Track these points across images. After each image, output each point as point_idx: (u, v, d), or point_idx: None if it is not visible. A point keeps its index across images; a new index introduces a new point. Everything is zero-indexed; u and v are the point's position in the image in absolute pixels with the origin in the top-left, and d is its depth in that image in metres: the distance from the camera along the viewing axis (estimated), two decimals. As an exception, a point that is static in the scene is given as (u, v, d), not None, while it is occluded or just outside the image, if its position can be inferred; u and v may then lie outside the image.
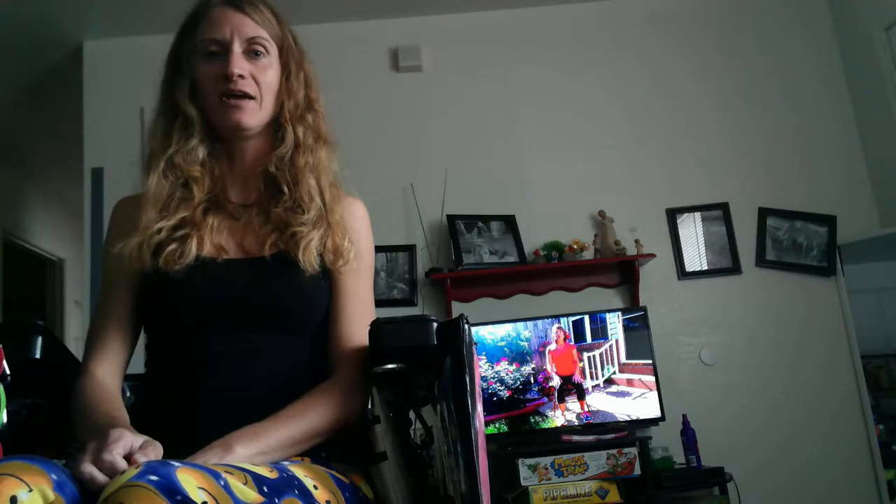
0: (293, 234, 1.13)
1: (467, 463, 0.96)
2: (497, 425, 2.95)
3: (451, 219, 3.32)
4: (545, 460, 2.69)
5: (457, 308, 3.25)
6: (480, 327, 3.01)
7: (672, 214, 3.43)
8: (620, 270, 3.34)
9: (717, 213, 3.43)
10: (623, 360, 3.00)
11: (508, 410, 2.96)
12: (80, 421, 1.04)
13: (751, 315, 3.33)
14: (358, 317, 1.17)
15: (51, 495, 0.75)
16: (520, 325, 3.04)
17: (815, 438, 3.17)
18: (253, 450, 0.95)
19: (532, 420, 2.95)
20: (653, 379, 2.96)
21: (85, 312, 3.50)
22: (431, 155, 3.44)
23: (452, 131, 3.50)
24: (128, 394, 1.28)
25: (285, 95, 1.19)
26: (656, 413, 2.94)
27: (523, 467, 2.68)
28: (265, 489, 0.82)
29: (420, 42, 3.58)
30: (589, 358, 3.01)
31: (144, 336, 1.19)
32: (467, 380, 0.99)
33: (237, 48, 1.13)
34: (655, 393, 2.95)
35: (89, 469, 0.80)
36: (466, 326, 1.03)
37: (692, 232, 3.42)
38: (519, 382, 2.99)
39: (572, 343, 3.02)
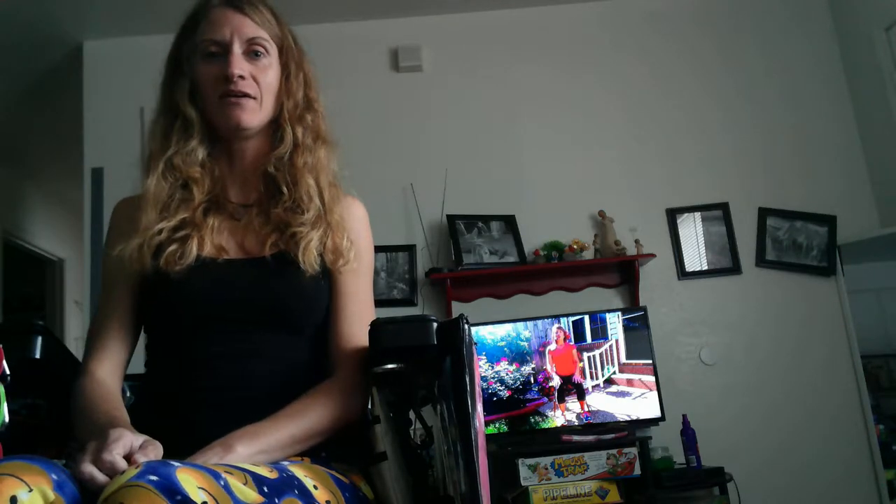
0: (293, 234, 1.13)
1: (467, 463, 0.96)
2: (497, 425, 2.95)
3: (451, 219, 3.32)
4: (545, 460, 2.69)
5: (457, 308, 3.25)
6: (480, 327, 3.01)
7: (672, 214, 3.43)
8: (620, 270, 3.34)
9: (717, 213, 3.43)
10: (623, 360, 3.00)
11: (508, 410, 2.96)
12: (80, 421, 1.04)
13: (751, 315, 3.33)
14: (358, 317, 1.17)
15: (51, 495, 0.75)
16: (520, 325, 3.04)
17: (815, 438, 3.17)
18: (253, 449, 0.95)
19: (532, 420, 2.95)
20: (653, 379, 2.96)
21: (85, 312, 3.50)
22: (431, 155, 3.44)
23: (452, 131, 3.50)
24: (128, 394, 1.28)
25: (285, 96, 1.19)
26: (656, 413, 2.94)
27: (523, 467, 2.68)
28: (265, 489, 0.82)
29: (420, 42, 3.58)
30: (589, 358, 3.01)
31: (144, 336, 1.19)
32: (467, 380, 0.99)
33: (237, 49, 1.13)
34: (655, 393, 2.95)
35: (89, 469, 0.80)
36: (466, 326, 1.03)
37: (692, 232, 3.42)
38: (519, 382, 2.99)
39: (572, 343, 3.02)
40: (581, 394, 2.97)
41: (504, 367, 2.99)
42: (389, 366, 1.03)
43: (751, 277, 3.38)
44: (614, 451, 2.70)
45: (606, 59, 3.61)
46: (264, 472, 0.86)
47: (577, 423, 2.93)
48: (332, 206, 1.18)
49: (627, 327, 3.02)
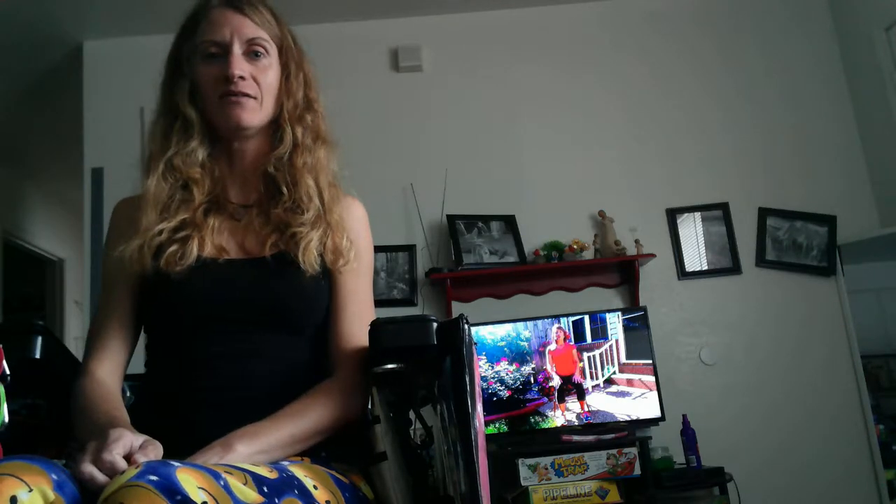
0: (293, 234, 1.13)
1: (467, 463, 0.96)
2: (497, 425, 2.95)
3: (451, 219, 3.32)
4: (545, 460, 2.69)
5: (457, 308, 3.25)
6: (480, 327, 3.01)
7: (672, 214, 3.43)
8: (620, 270, 3.34)
9: (717, 213, 3.43)
10: (623, 360, 3.00)
11: (508, 410, 2.96)
12: (80, 421, 1.04)
13: (751, 315, 3.33)
14: (358, 316, 1.17)
15: (51, 495, 0.75)
16: (520, 325, 3.04)
17: (815, 438, 3.17)
18: (253, 448, 0.95)
19: (532, 420, 2.95)
20: (653, 379, 2.96)
21: (85, 312, 3.50)
22: (431, 155, 3.44)
23: (452, 131, 3.50)
24: (128, 394, 1.28)
25: (285, 96, 1.19)
26: (656, 413, 2.94)
27: (523, 467, 2.68)
28: (265, 489, 0.82)
29: (420, 42, 3.58)
30: (589, 358, 3.01)
31: (145, 336, 1.19)
32: (467, 380, 0.99)
33: (237, 49, 1.13)
34: (655, 393, 2.95)
35: (89, 469, 0.80)
36: (466, 326, 1.03)
37: (692, 232, 3.42)
38: (519, 382, 2.99)
39: (572, 343, 3.02)
40: (581, 394, 2.97)
41: (504, 367, 2.99)
42: (389, 366, 1.03)
43: (751, 277, 3.38)
44: (614, 451, 2.70)
45: (606, 59, 3.61)
46: (264, 472, 0.86)
47: (577, 423, 2.93)
48: (331, 206, 1.18)
49: (627, 327, 3.02)
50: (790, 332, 3.29)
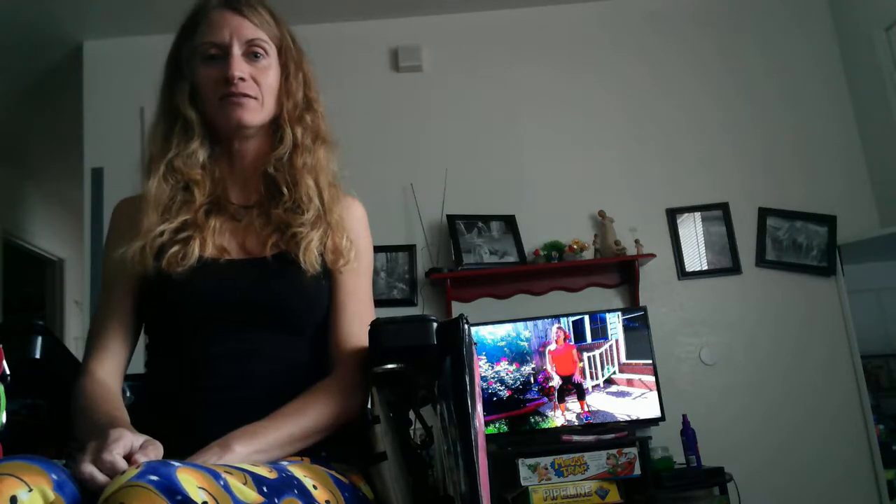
0: (293, 234, 1.13)
1: (467, 463, 0.96)
2: (497, 425, 2.95)
3: (451, 219, 3.32)
4: (545, 460, 2.69)
5: (457, 308, 3.25)
6: (480, 327, 3.01)
7: (672, 214, 3.43)
8: (620, 270, 3.34)
9: (717, 213, 3.43)
10: (623, 360, 3.00)
11: (508, 410, 2.96)
12: (80, 421, 1.04)
13: (751, 315, 3.33)
14: (358, 316, 1.17)
15: (51, 495, 0.75)
16: (520, 325, 3.04)
17: (815, 438, 3.17)
18: (252, 448, 0.95)
19: (532, 420, 2.95)
20: (653, 379, 2.97)
21: (85, 312, 3.50)
22: (431, 155, 3.44)
23: (452, 131, 3.50)
24: (128, 394, 1.28)
25: (284, 96, 1.19)
26: (656, 413, 2.94)
27: (523, 467, 2.68)
28: (265, 489, 0.82)
29: (420, 42, 3.58)
30: (589, 358, 3.01)
31: (145, 336, 1.19)
32: (467, 380, 0.99)
33: (236, 51, 1.13)
34: (655, 393, 2.95)
35: (89, 469, 0.80)
36: (466, 326, 1.03)
37: (692, 232, 3.42)
38: (519, 382, 2.99)
39: (572, 343, 3.02)
40: (581, 394, 2.97)
41: (504, 367, 2.99)
42: (389, 366, 1.03)
43: (751, 277, 3.38)
44: (614, 451, 2.70)
45: (606, 59, 3.61)
46: (264, 472, 0.86)
47: (577, 423, 2.93)
48: (331, 207, 1.18)
49: (627, 327, 3.02)
50: (790, 332, 3.29)
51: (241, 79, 1.13)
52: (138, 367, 1.21)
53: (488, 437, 2.75)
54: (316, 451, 1.06)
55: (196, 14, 1.18)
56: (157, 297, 1.12)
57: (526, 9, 3.64)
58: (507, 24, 3.64)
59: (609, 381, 2.98)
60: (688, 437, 2.91)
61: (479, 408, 1.03)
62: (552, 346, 3.02)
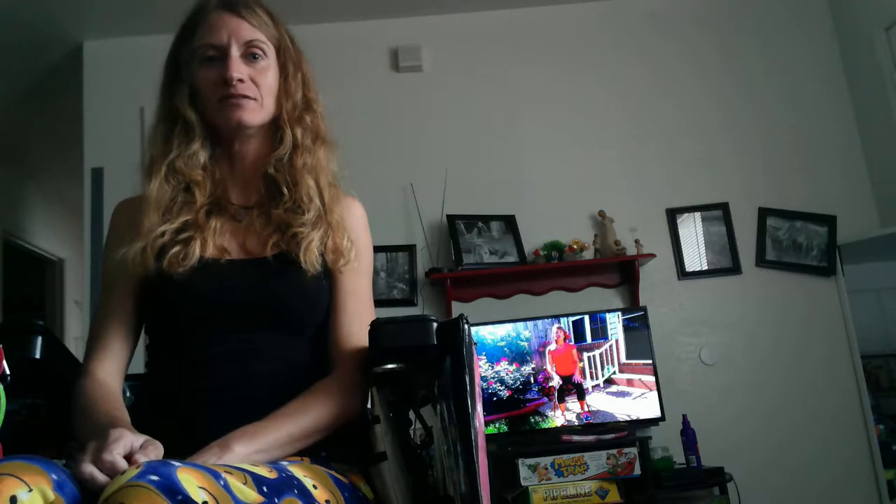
0: (294, 234, 1.13)
1: (467, 463, 0.96)
2: (497, 425, 2.95)
3: (451, 219, 3.32)
4: (545, 460, 2.69)
5: (457, 308, 3.25)
6: (480, 327, 3.01)
7: (672, 214, 3.43)
8: (620, 270, 3.34)
9: (717, 213, 3.43)
10: (623, 360, 3.00)
11: (508, 410, 2.96)
12: (80, 421, 1.04)
13: (751, 315, 3.33)
14: (357, 315, 1.17)
15: (51, 495, 0.75)
16: (520, 325, 3.04)
17: (815, 438, 3.17)
18: (251, 448, 0.95)
19: (532, 420, 2.95)
20: (653, 379, 2.97)
21: (85, 312, 3.50)
22: (431, 155, 3.44)
23: (452, 131, 3.50)
24: (128, 394, 1.28)
25: (283, 96, 1.19)
26: (656, 413, 2.94)
27: (523, 467, 2.68)
28: (265, 489, 0.82)
29: (420, 42, 3.58)
30: (589, 358, 3.01)
31: (145, 337, 1.19)
32: (467, 380, 0.99)
33: (235, 52, 1.14)
34: (655, 393, 2.95)
35: (89, 469, 0.80)
36: (466, 326, 1.03)
37: (692, 232, 3.42)
38: (519, 382, 2.99)
39: (572, 343, 3.02)
40: (581, 394, 2.97)
41: (504, 367, 2.99)
42: (389, 366, 1.03)
43: (751, 277, 3.38)
44: (614, 451, 2.70)
45: (606, 59, 3.61)
46: (264, 472, 0.86)
47: (577, 423, 2.93)
48: (331, 207, 1.18)
49: (627, 327, 3.02)
50: (790, 332, 3.29)
51: (240, 80, 1.13)
52: (139, 367, 1.21)
53: (488, 437, 2.75)
54: (316, 451, 1.06)
55: (194, 16, 1.18)
56: (158, 297, 1.12)
57: (526, 9, 3.64)
58: (507, 24, 3.64)
59: (609, 381, 2.98)
60: (688, 437, 2.91)
61: (479, 408, 1.03)
62: (552, 346, 3.02)
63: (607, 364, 3.00)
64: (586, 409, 2.96)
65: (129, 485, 0.70)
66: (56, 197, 5.43)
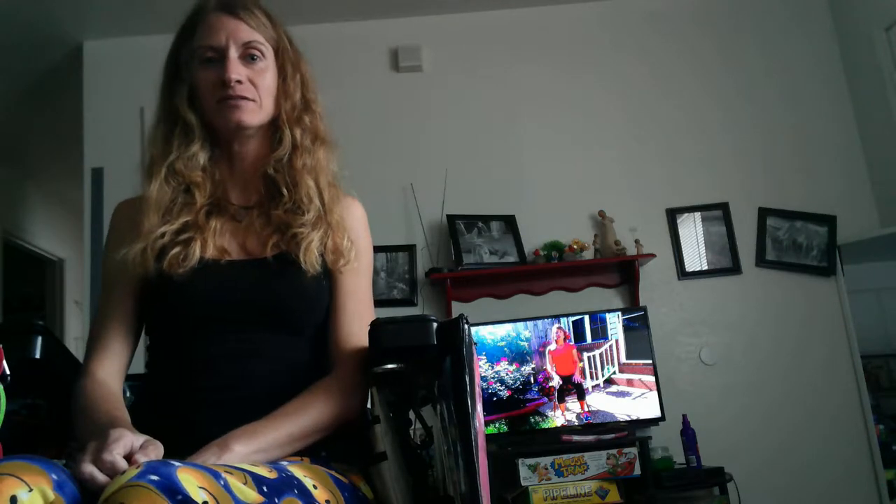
0: (294, 235, 1.14)
1: (467, 463, 0.96)
2: (497, 425, 2.95)
3: (451, 219, 3.32)
4: (545, 460, 2.69)
5: (457, 308, 3.25)
6: (480, 327, 3.01)
7: (672, 214, 3.43)
8: (620, 270, 3.34)
9: (717, 213, 3.43)
10: (623, 360, 3.00)
11: (508, 410, 2.96)
12: (80, 421, 1.04)
13: (751, 315, 3.33)
14: (357, 315, 1.17)
15: (51, 495, 0.75)
16: (520, 325, 3.04)
17: (815, 438, 3.17)
18: (251, 448, 0.95)
19: (532, 420, 2.95)
20: (653, 379, 2.97)
21: (85, 312, 3.50)
22: (431, 155, 3.44)
23: (452, 131, 3.50)
24: (128, 394, 1.28)
25: (282, 97, 1.19)
26: (656, 413, 2.94)
27: (523, 467, 2.68)
28: (265, 489, 0.82)
29: (420, 42, 3.58)
30: (589, 358, 3.01)
31: (146, 337, 1.19)
32: (467, 380, 0.99)
33: (233, 54, 1.14)
34: (655, 393, 2.95)
35: (89, 469, 0.80)
36: (466, 326, 1.03)
37: (692, 232, 3.42)
38: (519, 382, 2.99)
39: (572, 343, 3.02)
40: (581, 394, 2.97)
41: (504, 367, 2.99)
42: (389, 366, 1.03)
43: (751, 277, 3.38)
44: (614, 451, 2.70)
45: (606, 59, 3.61)
46: (264, 472, 0.86)
47: (577, 423, 2.93)
48: (331, 207, 1.18)
49: (627, 327, 3.02)
50: (790, 332, 3.29)
51: (239, 81, 1.13)
52: (139, 367, 1.21)
53: (488, 437, 2.75)
54: (316, 451, 1.06)
55: (193, 17, 1.18)
56: (159, 298, 1.13)
57: (526, 9, 3.64)
58: (507, 24, 3.64)
59: (609, 381, 2.98)
60: (688, 437, 2.91)
61: (479, 408, 1.03)
62: (552, 346, 3.02)
63: (607, 364, 3.00)
64: (586, 409, 2.96)
65: (129, 485, 0.70)
66: (56, 197, 5.43)
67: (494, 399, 2.96)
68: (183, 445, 0.92)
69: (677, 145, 3.50)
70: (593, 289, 3.35)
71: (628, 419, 2.94)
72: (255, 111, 1.16)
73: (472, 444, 0.97)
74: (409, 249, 3.37)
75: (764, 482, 3.08)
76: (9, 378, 0.92)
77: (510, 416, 2.96)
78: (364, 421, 1.11)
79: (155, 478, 0.70)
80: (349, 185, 1.26)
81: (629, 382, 2.98)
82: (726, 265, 3.38)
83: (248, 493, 0.79)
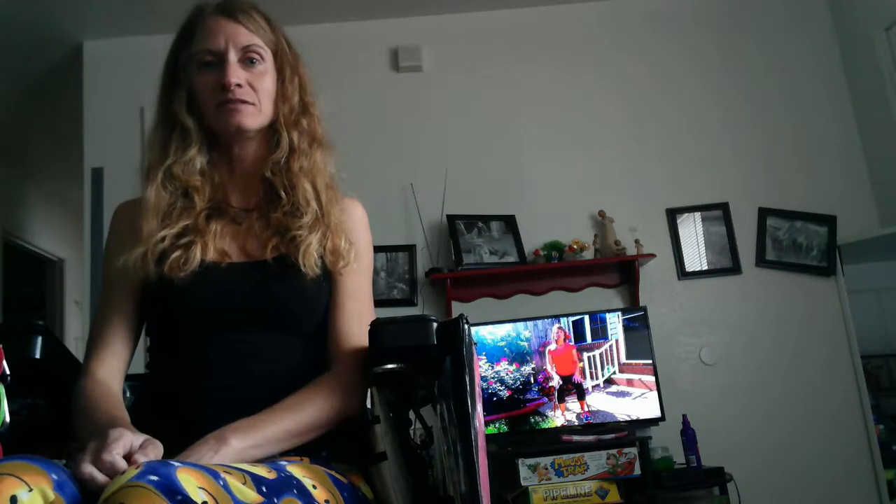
0: (292, 237, 1.14)
1: (467, 463, 0.96)
2: (497, 425, 2.95)
3: (451, 219, 3.32)
4: (545, 460, 2.69)
5: (457, 308, 3.25)
6: (480, 327, 3.01)
7: (672, 214, 3.43)
8: (620, 270, 3.34)
9: (717, 213, 3.43)
10: (623, 360, 3.00)
11: (508, 410, 2.96)
12: (80, 421, 1.04)
13: (751, 315, 3.33)
14: (357, 315, 1.17)
15: (51, 495, 0.75)
16: (520, 325, 3.04)
17: (815, 438, 3.17)
18: (248, 442, 0.95)
19: (532, 420, 2.95)
20: (653, 379, 2.96)
21: (85, 312, 3.50)
22: (431, 155, 3.44)
23: (452, 131, 3.50)
24: (128, 394, 1.28)
25: (280, 100, 1.20)
26: (656, 413, 2.94)
27: (523, 467, 2.68)
28: (264, 489, 0.82)
29: (420, 42, 3.58)
30: (589, 358, 3.01)
31: (146, 338, 1.20)
32: (467, 380, 0.99)
33: (232, 57, 1.14)
34: (655, 393, 2.95)
35: (89, 469, 0.80)
36: (466, 326, 1.03)
37: (692, 232, 3.42)
38: (519, 382, 2.99)
39: (572, 343, 3.02)
40: (581, 394, 2.97)
41: (504, 367, 2.99)
42: (389, 366, 1.03)
43: (751, 277, 3.38)
44: (614, 451, 2.70)
45: (606, 59, 3.61)
46: (263, 472, 0.86)
47: (577, 423, 2.93)
48: (329, 209, 1.18)
49: (627, 327, 3.02)
50: (790, 332, 3.29)
51: (238, 85, 1.13)
52: (139, 367, 1.21)
53: (488, 437, 2.75)
54: (316, 451, 1.06)
55: (192, 21, 1.18)
56: (159, 302, 1.13)
57: (526, 9, 3.64)
58: (507, 24, 3.64)
59: (609, 381, 2.98)
60: (688, 437, 2.91)
61: (479, 408, 1.03)
62: (552, 346, 3.02)
63: (607, 364, 3.00)
64: (586, 409, 2.96)
65: (128, 485, 0.70)
66: (56, 197, 5.43)
67: (494, 399, 2.96)
68: (183, 445, 0.92)
69: (677, 145, 3.50)
70: (593, 289, 3.35)
71: (628, 419, 2.94)
72: (255, 115, 1.16)
73: (472, 444, 0.97)
74: (409, 249, 3.37)
75: (764, 482, 3.08)
76: (9, 378, 0.92)
77: (510, 416, 2.96)
78: (364, 421, 1.11)
79: (154, 478, 0.70)
80: (349, 186, 1.26)
81: (629, 382, 2.98)
82: (726, 265, 3.38)
83: (248, 493, 0.79)
